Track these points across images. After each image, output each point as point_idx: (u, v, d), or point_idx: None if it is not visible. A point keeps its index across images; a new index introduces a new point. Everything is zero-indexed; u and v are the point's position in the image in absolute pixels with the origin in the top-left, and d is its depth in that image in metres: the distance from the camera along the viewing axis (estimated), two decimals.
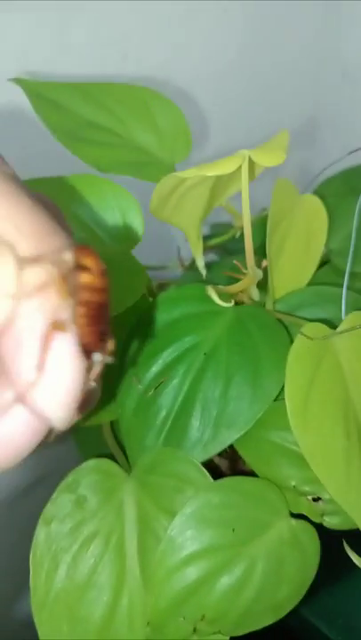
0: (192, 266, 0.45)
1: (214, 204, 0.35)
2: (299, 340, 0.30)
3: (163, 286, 0.41)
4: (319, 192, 0.44)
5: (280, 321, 0.34)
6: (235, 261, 0.33)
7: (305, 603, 0.33)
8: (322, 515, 0.31)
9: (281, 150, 0.30)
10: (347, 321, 0.32)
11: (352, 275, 0.38)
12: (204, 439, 0.32)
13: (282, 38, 0.61)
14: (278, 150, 0.30)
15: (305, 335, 0.30)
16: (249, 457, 0.32)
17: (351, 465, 0.29)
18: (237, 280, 0.34)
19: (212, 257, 0.47)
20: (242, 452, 0.32)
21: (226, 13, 0.55)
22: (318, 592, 0.36)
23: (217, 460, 0.39)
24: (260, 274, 0.32)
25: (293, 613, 0.32)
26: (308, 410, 0.29)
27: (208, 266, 0.40)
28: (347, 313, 0.33)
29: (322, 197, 0.43)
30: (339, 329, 0.31)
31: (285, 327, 0.34)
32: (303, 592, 0.30)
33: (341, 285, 0.35)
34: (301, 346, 0.30)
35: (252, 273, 0.31)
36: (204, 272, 0.36)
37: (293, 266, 0.38)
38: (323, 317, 0.35)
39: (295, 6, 0.59)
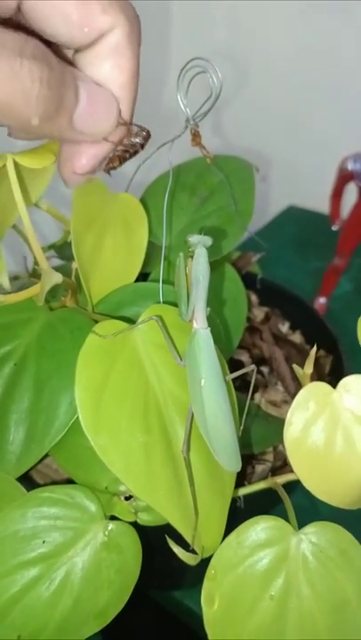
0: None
1: (9, 213, 0.34)
2: (90, 339, 0.29)
3: None
4: (151, 190, 0.44)
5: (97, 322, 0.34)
6: (35, 266, 0.33)
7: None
8: (135, 513, 0.30)
9: (49, 152, 0.29)
10: (145, 314, 0.31)
11: None
12: (18, 453, 0.31)
13: None
14: (46, 152, 0.29)
15: (96, 333, 0.29)
16: (64, 463, 0.31)
17: (152, 460, 0.28)
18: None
19: (58, 262, 0.47)
20: (57, 460, 0.32)
21: None
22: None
23: None
24: (57, 277, 0.31)
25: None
26: (100, 409, 0.28)
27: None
28: None
29: (154, 195, 0.43)
30: (137, 323, 0.31)
31: None
32: (127, 595, 0.30)
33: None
34: (93, 345, 0.29)
35: (46, 276, 0.31)
36: (7, 283, 0.35)
37: (117, 264, 0.37)
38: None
39: None
